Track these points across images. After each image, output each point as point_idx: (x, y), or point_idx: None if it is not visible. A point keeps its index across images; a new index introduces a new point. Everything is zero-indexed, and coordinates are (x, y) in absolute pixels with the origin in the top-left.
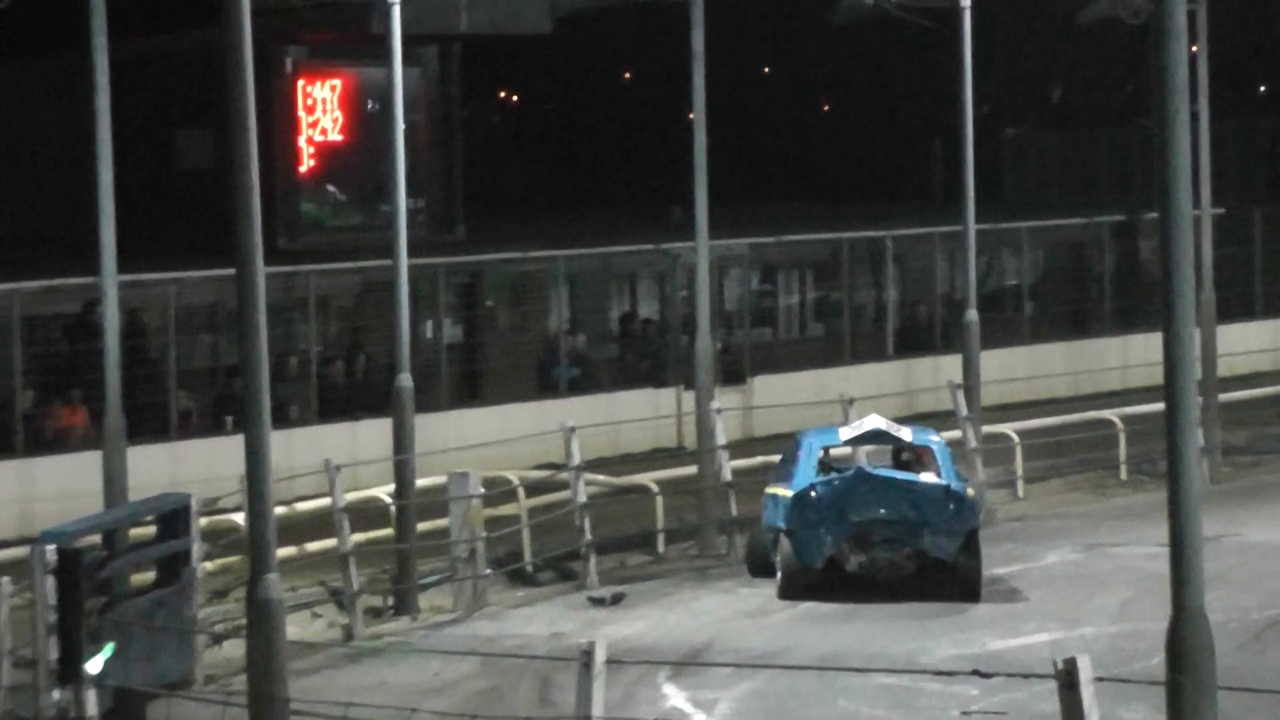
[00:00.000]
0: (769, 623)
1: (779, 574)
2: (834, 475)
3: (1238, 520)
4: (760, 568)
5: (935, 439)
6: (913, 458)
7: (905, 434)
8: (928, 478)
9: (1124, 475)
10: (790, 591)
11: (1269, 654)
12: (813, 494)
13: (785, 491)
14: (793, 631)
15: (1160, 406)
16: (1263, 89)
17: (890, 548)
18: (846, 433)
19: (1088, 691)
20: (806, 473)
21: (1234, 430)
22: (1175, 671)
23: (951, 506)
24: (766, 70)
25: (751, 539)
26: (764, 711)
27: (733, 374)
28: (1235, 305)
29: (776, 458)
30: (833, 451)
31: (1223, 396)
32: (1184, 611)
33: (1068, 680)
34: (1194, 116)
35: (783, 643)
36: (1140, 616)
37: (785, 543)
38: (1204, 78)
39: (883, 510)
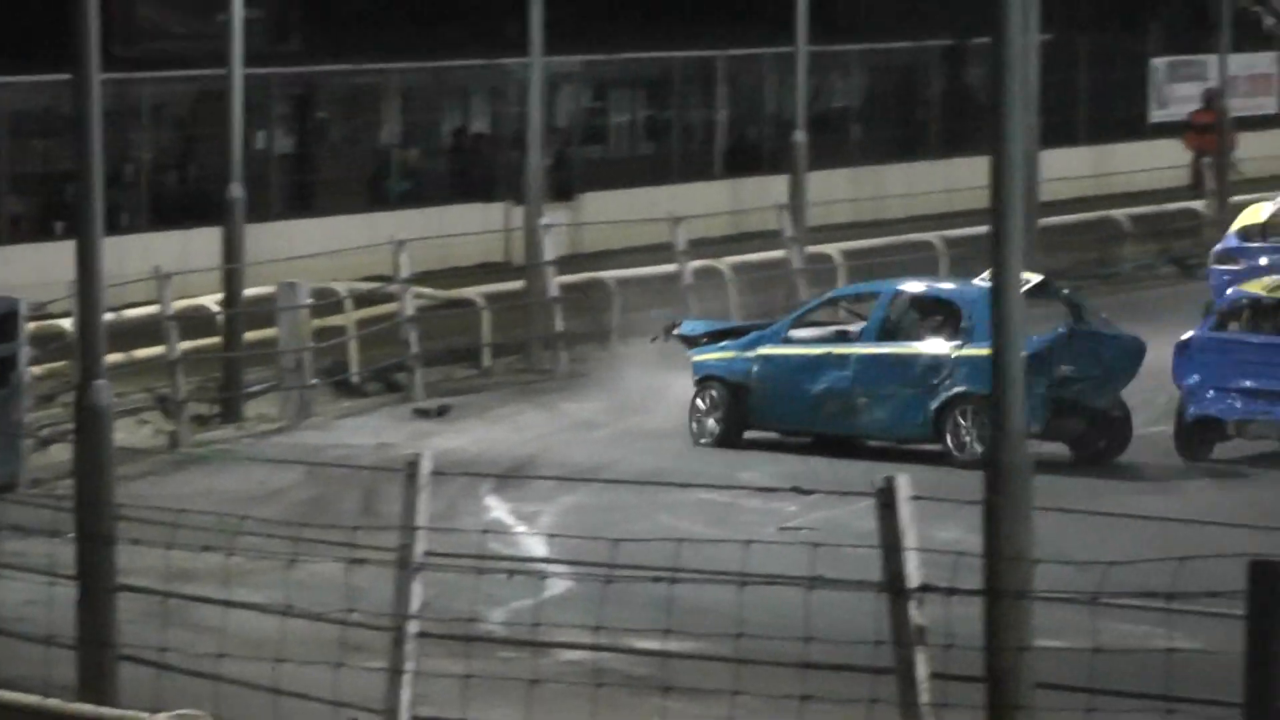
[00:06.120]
0: (592, 438)
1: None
2: (1045, 334)
3: None
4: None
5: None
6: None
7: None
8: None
9: None
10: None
11: (1082, 474)
12: (1037, 355)
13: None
14: (615, 447)
15: (981, 230)
16: None
17: (1076, 407)
18: None
19: (905, 510)
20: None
21: (1055, 254)
22: (992, 491)
23: (1135, 361)
24: None
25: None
26: (585, 524)
27: (562, 190)
28: (1058, 132)
29: (605, 273)
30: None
31: (1043, 221)
32: (1002, 432)
33: (886, 499)
34: None
35: (605, 458)
36: None
37: None
38: None
39: (1082, 368)
